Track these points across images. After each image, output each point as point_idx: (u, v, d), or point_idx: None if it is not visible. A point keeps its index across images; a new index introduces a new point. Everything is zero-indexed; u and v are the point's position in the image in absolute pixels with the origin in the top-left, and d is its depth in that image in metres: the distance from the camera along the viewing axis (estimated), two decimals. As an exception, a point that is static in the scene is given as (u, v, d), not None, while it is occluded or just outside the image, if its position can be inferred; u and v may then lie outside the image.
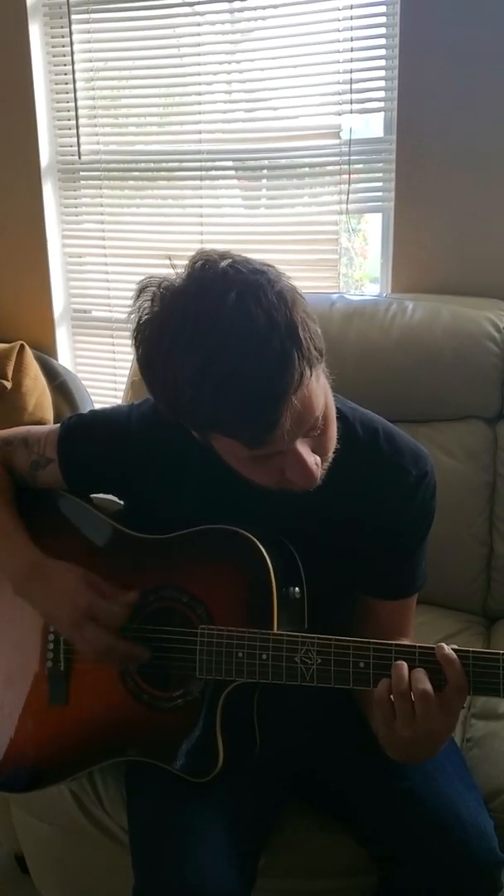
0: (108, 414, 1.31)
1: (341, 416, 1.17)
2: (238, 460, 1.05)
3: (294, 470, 1.02)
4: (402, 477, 1.18)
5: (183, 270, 1.00)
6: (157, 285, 1.00)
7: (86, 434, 1.26)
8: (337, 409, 1.14)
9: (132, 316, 1.02)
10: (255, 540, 1.12)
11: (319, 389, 1.00)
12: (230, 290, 0.94)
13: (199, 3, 2.25)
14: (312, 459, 1.03)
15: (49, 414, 2.35)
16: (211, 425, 1.00)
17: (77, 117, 2.46)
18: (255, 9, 2.23)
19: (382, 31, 2.09)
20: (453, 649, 1.01)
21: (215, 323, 0.94)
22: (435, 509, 1.22)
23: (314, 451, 1.04)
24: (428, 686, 0.99)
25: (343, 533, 1.18)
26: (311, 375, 0.97)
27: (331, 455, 1.08)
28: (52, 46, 2.44)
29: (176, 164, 2.43)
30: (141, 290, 1.01)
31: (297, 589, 1.13)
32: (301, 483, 1.04)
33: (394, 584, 1.23)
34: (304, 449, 1.02)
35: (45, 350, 2.55)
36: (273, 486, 1.06)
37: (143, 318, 1.00)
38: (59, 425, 1.28)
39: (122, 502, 1.33)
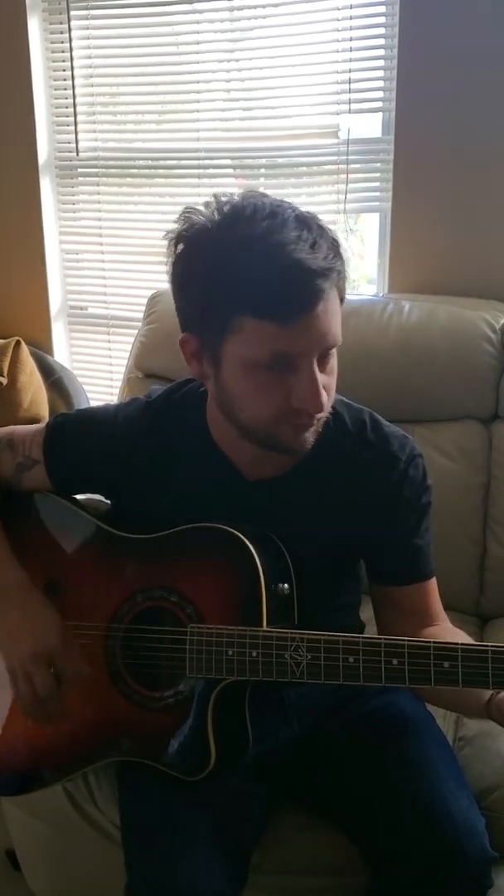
0: (94, 413, 1.31)
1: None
2: (249, 373, 1.04)
3: (304, 389, 1.03)
4: (393, 464, 1.19)
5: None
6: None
7: (72, 434, 1.26)
8: None
9: (179, 220, 1.07)
10: (244, 537, 1.12)
11: (339, 321, 1.04)
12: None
13: (198, 1, 2.24)
14: (322, 384, 1.04)
15: (44, 411, 2.34)
16: (248, 302, 0.99)
17: (76, 114, 2.46)
18: (254, 7, 2.23)
19: (382, 31, 2.10)
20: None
21: (276, 211, 1.01)
22: (430, 488, 1.22)
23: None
24: None
25: (335, 524, 1.18)
26: (341, 293, 1.03)
27: (327, 412, 1.09)
28: (51, 42, 2.44)
29: (174, 162, 2.43)
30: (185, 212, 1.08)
31: (286, 585, 1.13)
32: (308, 405, 1.04)
33: (405, 566, 1.22)
34: (316, 369, 1.03)
35: (42, 346, 2.55)
36: (273, 415, 1.05)
37: (196, 220, 1.05)
38: (44, 425, 1.28)
39: (108, 502, 1.33)
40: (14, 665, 1.16)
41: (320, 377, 1.04)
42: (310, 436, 1.09)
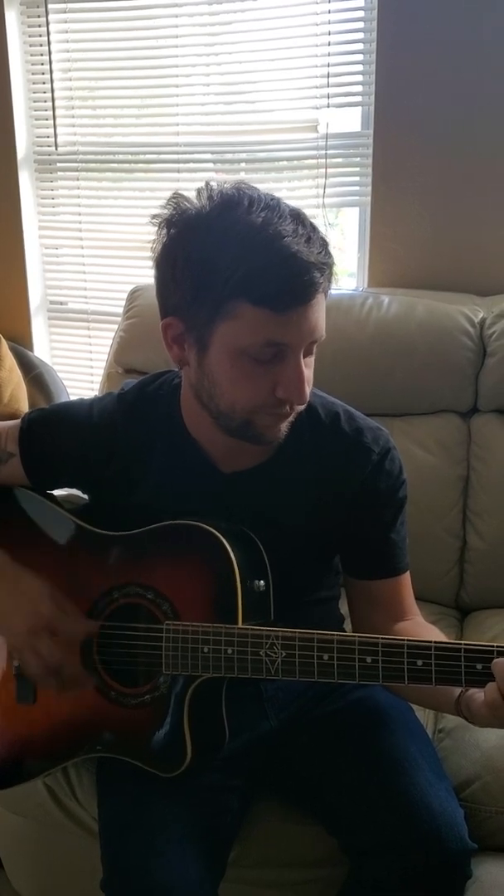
0: (69, 407, 1.30)
1: None
2: (236, 360, 1.05)
3: (290, 380, 1.05)
4: (367, 455, 1.19)
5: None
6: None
7: (47, 428, 1.26)
8: None
9: (168, 205, 1.07)
10: (219, 534, 1.12)
11: (324, 315, 1.06)
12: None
13: (176, -5, 2.24)
14: (307, 377, 1.06)
15: (24, 406, 2.33)
16: (246, 288, 1.00)
17: (54, 108, 2.44)
18: (233, 1, 2.22)
19: (360, 25, 2.09)
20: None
21: (270, 204, 1.02)
22: (405, 482, 1.23)
23: None
24: None
25: (311, 516, 1.19)
26: (326, 289, 1.04)
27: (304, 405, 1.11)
28: (29, 36, 2.42)
29: (153, 157, 2.42)
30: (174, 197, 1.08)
31: (261, 582, 1.14)
32: (293, 396, 1.06)
33: (379, 560, 1.23)
34: (302, 361, 1.06)
35: (21, 342, 2.54)
36: (255, 403, 1.07)
37: (188, 206, 1.05)
38: (20, 420, 1.28)
39: (85, 497, 1.32)
40: (16, 644, 1.14)
41: (305, 369, 1.06)
42: (284, 426, 1.12)
